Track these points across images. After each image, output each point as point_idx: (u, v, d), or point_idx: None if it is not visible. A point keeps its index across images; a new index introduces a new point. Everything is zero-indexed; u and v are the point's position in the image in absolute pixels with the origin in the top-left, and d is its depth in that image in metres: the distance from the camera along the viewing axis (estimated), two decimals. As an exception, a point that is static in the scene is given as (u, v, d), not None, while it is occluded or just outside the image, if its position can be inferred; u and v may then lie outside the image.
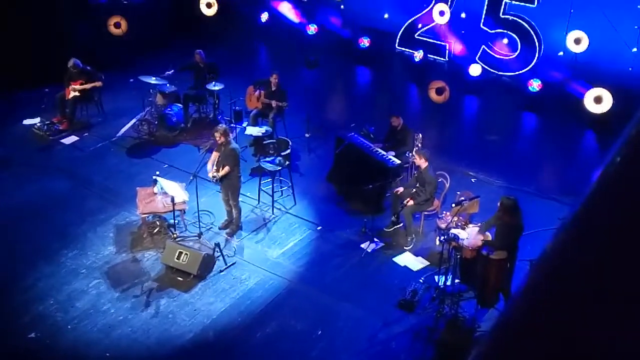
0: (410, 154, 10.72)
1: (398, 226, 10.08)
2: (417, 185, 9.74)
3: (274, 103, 12.02)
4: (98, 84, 12.64)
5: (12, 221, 10.19)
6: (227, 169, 9.58)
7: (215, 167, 9.68)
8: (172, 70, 12.68)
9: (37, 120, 12.76)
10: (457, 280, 8.67)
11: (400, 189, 9.96)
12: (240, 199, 10.07)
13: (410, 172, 10.74)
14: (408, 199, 9.61)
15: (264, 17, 17.33)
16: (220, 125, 10.12)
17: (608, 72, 13.31)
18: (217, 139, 9.65)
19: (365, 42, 16.18)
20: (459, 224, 8.81)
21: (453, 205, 8.96)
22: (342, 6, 16.85)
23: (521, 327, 1.76)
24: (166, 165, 11.57)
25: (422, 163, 9.68)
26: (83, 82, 12.52)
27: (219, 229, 10.11)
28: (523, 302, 1.81)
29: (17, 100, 13.55)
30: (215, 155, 9.78)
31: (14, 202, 10.61)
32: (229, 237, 9.95)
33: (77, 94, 12.48)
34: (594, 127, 13.23)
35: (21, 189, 10.93)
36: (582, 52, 13.57)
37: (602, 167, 1.73)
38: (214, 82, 12.36)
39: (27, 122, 12.80)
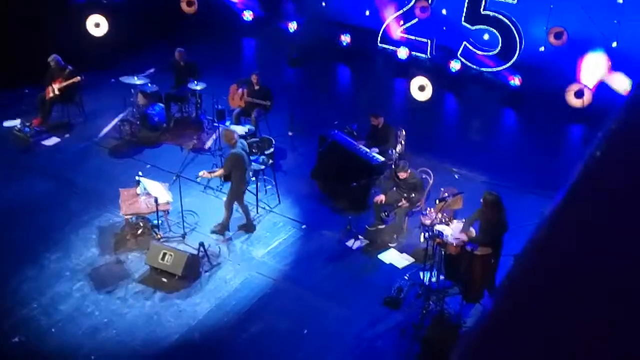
0: (394, 151, 10.74)
1: (381, 227, 10.09)
2: (405, 192, 9.76)
3: (257, 103, 11.99)
4: (77, 79, 12.48)
5: (-6, 224, 10.09)
6: (219, 172, 9.55)
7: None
8: (153, 69, 12.60)
9: (17, 122, 12.61)
10: (442, 277, 8.71)
11: (382, 197, 9.94)
12: (236, 206, 9.93)
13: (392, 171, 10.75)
14: (402, 202, 9.65)
15: (248, 15, 17.26)
16: (224, 127, 9.91)
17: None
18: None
19: (347, 39, 16.18)
20: (443, 220, 8.84)
21: (437, 201, 8.98)
22: (323, 3, 16.83)
23: (505, 321, 1.76)
24: (149, 166, 11.50)
25: (406, 174, 9.70)
26: (62, 80, 12.40)
27: (211, 232, 10.01)
28: (506, 297, 1.81)
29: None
30: None
31: (-5, 205, 10.50)
32: (216, 239, 9.88)
33: (57, 93, 12.37)
34: (577, 121, 13.33)
35: (2, 192, 10.81)
36: (562, 46, 13.65)
37: (582, 161, 1.73)
38: (195, 82, 12.31)
39: (7, 124, 12.66)
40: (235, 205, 9.89)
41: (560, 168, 11.33)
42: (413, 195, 9.71)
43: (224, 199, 9.97)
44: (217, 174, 9.67)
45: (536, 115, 13.75)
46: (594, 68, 13.25)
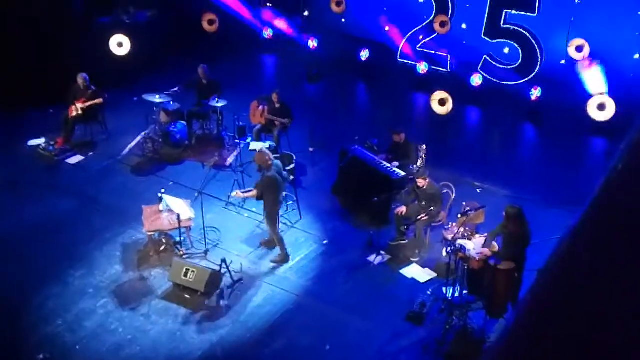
0: (415, 167, 10.72)
1: (404, 241, 10.06)
2: (424, 203, 9.74)
3: (278, 121, 12.05)
4: (99, 100, 12.69)
5: (19, 242, 10.19)
6: (252, 193, 9.54)
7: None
8: (177, 88, 12.74)
9: (42, 140, 12.79)
10: (465, 292, 8.65)
11: (403, 209, 9.93)
12: (279, 229, 9.83)
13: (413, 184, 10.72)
14: (422, 215, 9.61)
15: (267, 32, 17.41)
16: (258, 150, 9.88)
17: (610, 79, 13.31)
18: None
19: (366, 54, 16.23)
20: (465, 234, 8.79)
21: (459, 216, 8.94)
22: (343, 19, 16.91)
23: (527, 336, 1.76)
24: (171, 183, 11.59)
25: (424, 182, 9.69)
26: (86, 101, 12.58)
27: (260, 244, 10.04)
28: (527, 312, 1.81)
29: (22, 121, 13.60)
30: None
31: (20, 223, 10.61)
32: (275, 265, 9.79)
33: (80, 112, 12.54)
34: (598, 134, 13.23)
35: (28, 210, 10.95)
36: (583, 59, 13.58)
37: (605, 175, 1.73)
38: (217, 99, 12.43)
39: (32, 142, 12.84)
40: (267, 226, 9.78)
41: (582, 182, 11.24)
42: (432, 208, 9.66)
43: (268, 228, 9.83)
44: (249, 194, 9.65)
45: (557, 129, 13.65)
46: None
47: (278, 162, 9.89)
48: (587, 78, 13.35)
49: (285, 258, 9.83)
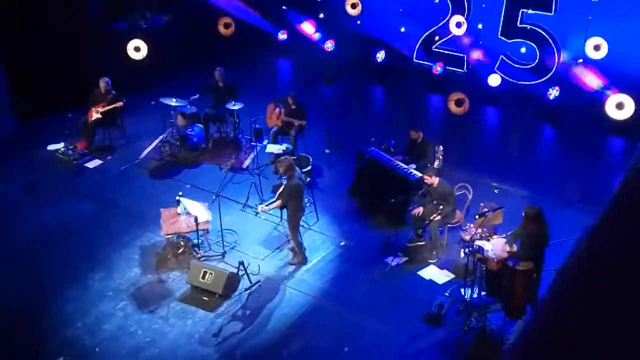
0: (432, 167, 10.68)
1: (421, 243, 10.04)
2: (434, 202, 9.71)
3: (296, 122, 12.07)
4: (119, 104, 12.82)
5: (39, 245, 10.29)
6: (277, 204, 9.52)
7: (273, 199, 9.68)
8: (197, 95, 12.82)
9: (61, 145, 12.92)
10: (483, 293, 8.60)
11: (420, 210, 9.91)
12: (299, 234, 9.83)
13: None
14: (434, 215, 9.58)
15: (282, 35, 17.46)
16: (284, 157, 9.90)
17: (629, 77, 13.20)
18: (280, 171, 9.61)
19: (382, 56, 16.21)
20: (483, 235, 8.74)
21: (477, 216, 8.89)
22: (358, 21, 16.91)
23: (545, 337, 1.74)
24: (189, 186, 11.64)
25: (434, 180, 9.66)
26: (106, 105, 12.69)
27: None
28: (545, 312, 1.80)
29: (41, 126, 13.75)
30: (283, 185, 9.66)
31: (39, 227, 10.72)
32: (293, 267, 9.81)
33: (99, 116, 12.65)
34: (617, 133, 13.12)
35: (47, 213, 11.05)
36: (602, 58, 13.47)
37: (624, 174, 1.72)
38: (233, 102, 12.48)
39: (51, 147, 12.97)
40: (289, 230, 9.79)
41: (600, 181, 11.16)
42: (442, 207, 9.58)
43: (288, 232, 9.86)
44: (274, 206, 9.63)
45: (575, 128, 13.55)
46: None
47: (297, 169, 9.89)
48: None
49: (302, 260, 9.84)
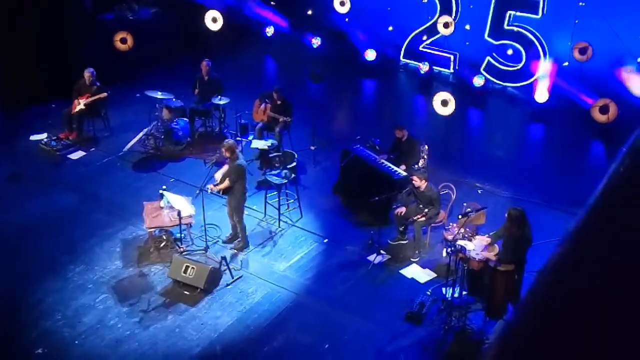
0: (417, 166, 10.72)
1: (404, 241, 10.06)
2: (420, 204, 9.74)
3: (281, 118, 12.03)
4: (103, 95, 12.72)
5: (19, 236, 10.21)
6: (225, 183, 9.56)
7: (218, 180, 9.70)
8: (197, 91, 12.87)
9: (44, 135, 12.82)
10: (464, 292, 8.64)
11: (402, 209, 9.93)
12: (245, 213, 10.05)
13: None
14: (419, 216, 9.61)
15: (269, 31, 17.42)
16: (226, 140, 10.10)
17: (613, 81, 13.30)
18: (223, 154, 9.68)
19: (369, 54, 16.23)
20: (466, 235, 8.78)
21: (459, 216, 8.93)
22: (346, 19, 16.90)
23: (526, 338, 1.75)
24: (172, 180, 11.59)
25: (423, 183, 9.69)
26: (90, 96, 12.61)
27: (223, 242, 10.11)
28: (525, 313, 1.80)
29: (24, 116, 13.62)
30: (225, 167, 9.79)
31: (21, 217, 10.63)
32: (235, 252, 9.94)
33: (82, 107, 12.55)
34: (600, 137, 13.22)
35: (28, 204, 10.96)
36: (587, 62, 13.57)
37: (605, 177, 1.73)
38: (219, 97, 12.43)
39: (34, 137, 12.86)
40: (231, 213, 9.88)
41: (583, 184, 11.22)
42: (427, 210, 9.65)
43: (234, 217, 9.93)
44: (222, 186, 9.64)
45: (560, 131, 13.65)
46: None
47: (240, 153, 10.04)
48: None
49: (245, 245, 9.99)
